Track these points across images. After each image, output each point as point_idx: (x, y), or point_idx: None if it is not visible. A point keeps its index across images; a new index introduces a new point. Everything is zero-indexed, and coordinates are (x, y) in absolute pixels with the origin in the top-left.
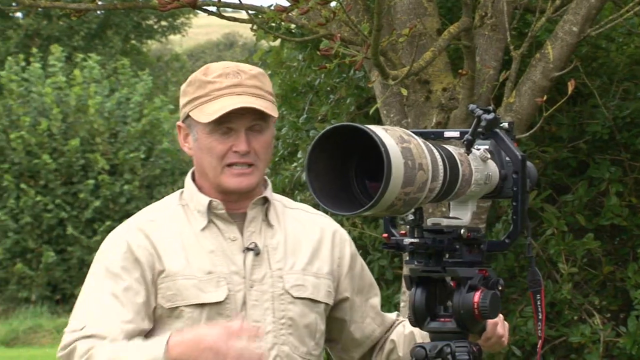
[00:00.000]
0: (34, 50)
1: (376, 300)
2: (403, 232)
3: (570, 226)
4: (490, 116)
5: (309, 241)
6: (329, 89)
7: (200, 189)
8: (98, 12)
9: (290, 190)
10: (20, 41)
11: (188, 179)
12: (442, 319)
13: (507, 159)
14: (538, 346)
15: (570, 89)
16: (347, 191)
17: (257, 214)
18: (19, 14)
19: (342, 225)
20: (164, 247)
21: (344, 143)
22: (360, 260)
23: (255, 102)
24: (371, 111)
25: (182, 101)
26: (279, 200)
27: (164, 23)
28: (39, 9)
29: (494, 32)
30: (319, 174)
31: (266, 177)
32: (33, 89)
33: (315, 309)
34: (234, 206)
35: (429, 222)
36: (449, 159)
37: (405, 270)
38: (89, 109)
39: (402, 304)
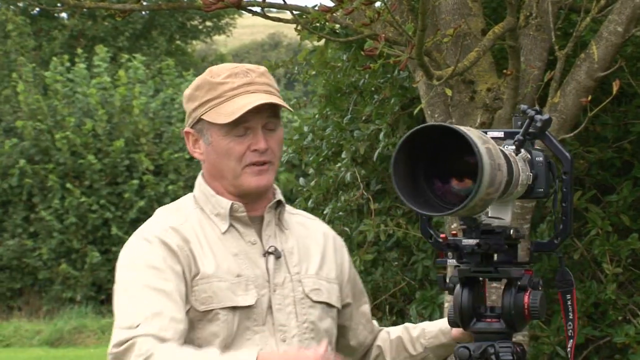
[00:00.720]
0: (79, 50)
1: (367, 307)
2: (443, 234)
3: (615, 226)
4: (545, 117)
5: (316, 246)
6: (373, 89)
7: (215, 191)
8: (143, 12)
9: (334, 190)
10: (65, 42)
11: (200, 182)
12: (489, 320)
13: (539, 159)
14: (570, 347)
15: (615, 89)
16: (423, 193)
17: (272, 217)
18: (64, 15)
19: (385, 225)
20: (197, 249)
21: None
22: (353, 266)
23: (272, 99)
24: (415, 111)
25: (189, 106)
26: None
27: (208, 23)
28: (84, 10)
29: (539, 32)
30: (401, 176)
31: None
32: (78, 89)
33: (330, 313)
34: (249, 210)
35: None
36: (507, 160)
37: (450, 271)
38: (134, 109)
39: (445, 304)
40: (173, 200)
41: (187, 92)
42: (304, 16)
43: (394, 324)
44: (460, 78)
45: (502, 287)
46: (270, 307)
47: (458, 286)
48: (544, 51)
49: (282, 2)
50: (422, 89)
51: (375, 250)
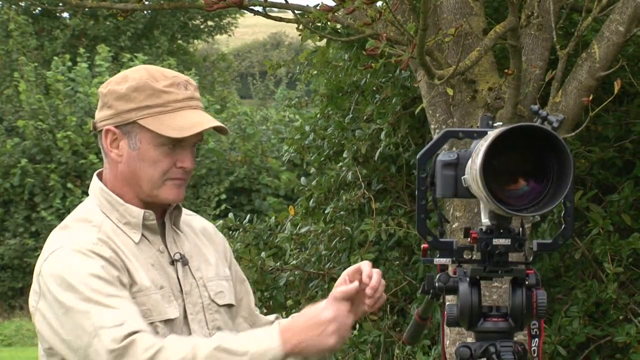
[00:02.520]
0: (81, 50)
1: (250, 298)
2: (475, 232)
3: (616, 226)
4: (561, 117)
5: (206, 244)
6: (374, 88)
7: (122, 198)
8: (144, 12)
9: (335, 189)
10: (67, 41)
11: (102, 189)
12: (495, 319)
13: None
14: (534, 346)
15: (616, 88)
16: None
17: (169, 222)
18: (65, 14)
19: (386, 224)
20: (126, 260)
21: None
22: (233, 257)
23: (213, 120)
24: (417, 111)
25: (121, 105)
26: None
27: (210, 23)
28: (86, 9)
29: (540, 31)
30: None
31: None
32: (79, 89)
33: (231, 313)
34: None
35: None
36: None
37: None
38: None
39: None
40: None
41: (118, 88)
42: (306, 16)
43: (395, 323)
44: (461, 77)
45: (503, 287)
46: (186, 317)
47: (465, 286)
48: (545, 51)
49: (284, 2)
50: (424, 89)
51: (376, 249)
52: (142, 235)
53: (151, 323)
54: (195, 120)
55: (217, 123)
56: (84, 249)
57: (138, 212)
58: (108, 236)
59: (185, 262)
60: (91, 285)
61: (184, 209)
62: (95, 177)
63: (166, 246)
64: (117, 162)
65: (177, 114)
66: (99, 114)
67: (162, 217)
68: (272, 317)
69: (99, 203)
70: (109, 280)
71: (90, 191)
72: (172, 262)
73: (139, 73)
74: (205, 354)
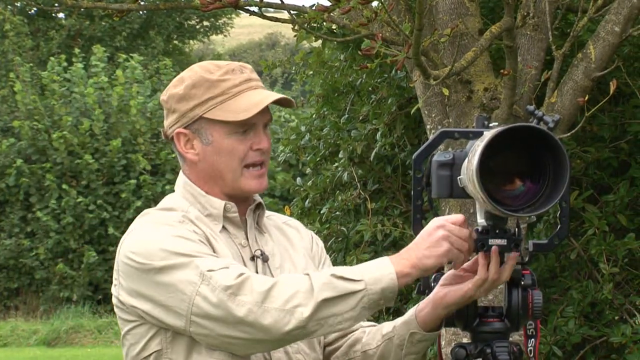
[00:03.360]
0: (76, 50)
1: None
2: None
3: (612, 226)
4: (557, 117)
5: (297, 250)
6: (370, 89)
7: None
8: (140, 12)
9: (331, 190)
10: (63, 41)
11: (186, 183)
12: (491, 319)
13: None
14: (531, 346)
15: (612, 88)
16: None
17: (252, 220)
18: (61, 15)
19: (382, 224)
20: (211, 239)
21: None
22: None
23: (274, 94)
24: (412, 111)
25: (183, 106)
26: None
27: (206, 23)
28: (81, 10)
29: (536, 32)
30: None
31: None
32: (75, 89)
33: None
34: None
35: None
36: None
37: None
38: (131, 109)
39: None
40: None
41: (176, 91)
42: (302, 16)
43: None
44: (457, 78)
45: (499, 287)
46: None
47: None
48: (541, 51)
49: (280, 2)
50: (419, 89)
51: (372, 250)
52: (224, 227)
53: None
54: (257, 98)
55: (279, 96)
56: (169, 222)
57: (220, 203)
58: (192, 221)
59: (265, 259)
60: (183, 245)
61: (280, 215)
62: (180, 173)
63: (248, 241)
64: (195, 162)
65: (238, 97)
66: (166, 122)
67: (245, 214)
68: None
69: (184, 196)
70: (200, 242)
71: (175, 187)
72: (253, 258)
73: (193, 71)
74: (322, 281)
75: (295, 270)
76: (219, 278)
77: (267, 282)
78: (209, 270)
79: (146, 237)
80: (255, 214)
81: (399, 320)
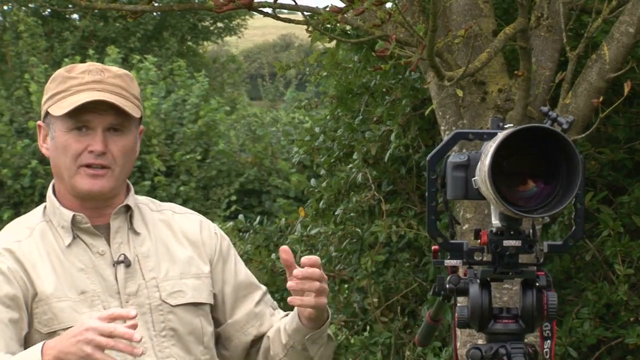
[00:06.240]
0: (91, 51)
1: (254, 297)
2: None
3: (627, 227)
4: (570, 118)
5: (183, 243)
6: (384, 90)
7: (60, 200)
8: (154, 13)
9: (345, 191)
10: (77, 43)
11: (49, 192)
12: (506, 321)
13: None
14: (547, 348)
15: (626, 89)
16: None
17: (122, 223)
18: (75, 16)
19: (397, 225)
20: (33, 269)
21: None
22: (233, 254)
23: (112, 99)
24: (427, 112)
25: (43, 99)
26: (145, 204)
27: (220, 24)
28: (95, 11)
29: (550, 33)
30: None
31: (129, 183)
32: None
33: (199, 312)
34: (96, 218)
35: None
36: None
37: (462, 272)
38: (145, 110)
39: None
40: (185, 201)
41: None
42: (315, 17)
43: (406, 325)
44: (471, 79)
45: (513, 289)
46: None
47: (476, 288)
48: (555, 52)
49: (293, 3)
50: (434, 90)
51: (386, 251)
52: (78, 237)
53: (54, 332)
54: (85, 98)
55: (100, 97)
56: None
57: (68, 215)
58: (33, 241)
59: (128, 264)
60: None
61: (175, 207)
62: (51, 182)
63: (110, 247)
64: (48, 156)
65: (75, 95)
66: None
67: (109, 220)
68: (279, 314)
69: (47, 206)
70: None
71: None
72: (114, 264)
73: (65, 67)
74: None
75: (174, 268)
76: None
77: None
78: None
79: None
80: (126, 216)
81: (288, 328)
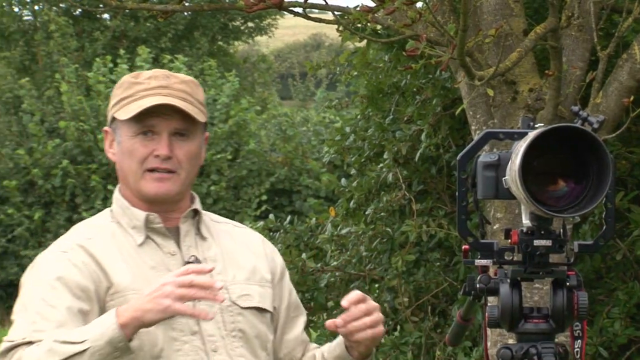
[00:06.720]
0: (121, 51)
1: (301, 321)
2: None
3: None
4: (601, 118)
5: (245, 253)
6: (415, 89)
7: (130, 203)
8: (185, 13)
9: (376, 191)
10: (108, 43)
11: (117, 195)
12: (536, 320)
13: None
14: (577, 347)
15: None
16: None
17: (190, 227)
18: (106, 16)
19: (427, 225)
20: (107, 263)
21: None
22: (287, 274)
23: (178, 103)
24: (457, 112)
25: (110, 105)
26: (206, 215)
27: (250, 24)
28: (126, 11)
29: (581, 32)
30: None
31: (192, 192)
32: None
33: (262, 318)
34: (165, 220)
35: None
36: None
37: (493, 272)
38: None
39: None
40: (215, 201)
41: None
42: (346, 17)
43: (436, 325)
44: (502, 78)
45: (544, 288)
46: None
47: (506, 287)
48: (585, 51)
49: (324, 3)
50: (464, 90)
51: (417, 251)
52: (150, 237)
53: None
54: (153, 102)
55: (166, 101)
56: (59, 253)
57: (141, 215)
58: (101, 239)
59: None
60: (38, 289)
61: (233, 222)
62: (117, 186)
63: (180, 249)
64: (114, 162)
65: (140, 100)
66: None
67: (178, 222)
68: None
69: (114, 209)
70: (57, 287)
71: None
72: (185, 264)
73: (132, 74)
74: (46, 348)
75: (241, 273)
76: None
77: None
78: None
79: (35, 264)
80: (194, 220)
81: (329, 356)
